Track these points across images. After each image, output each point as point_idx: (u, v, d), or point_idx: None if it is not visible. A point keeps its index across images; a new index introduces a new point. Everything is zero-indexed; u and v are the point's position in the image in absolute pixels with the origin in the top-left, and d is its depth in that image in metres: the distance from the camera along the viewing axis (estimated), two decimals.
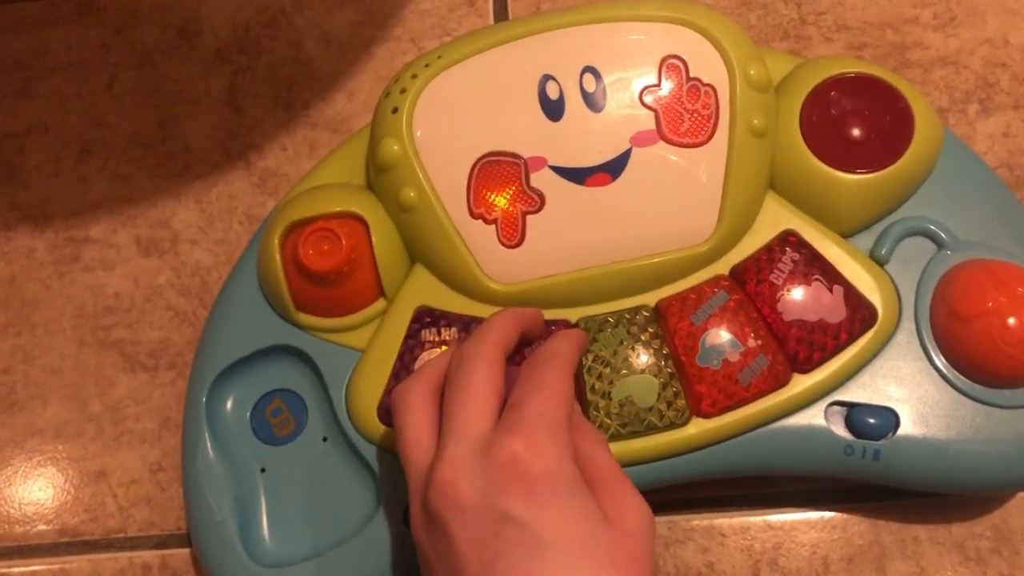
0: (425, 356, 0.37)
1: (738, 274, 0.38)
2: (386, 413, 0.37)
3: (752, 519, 0.40)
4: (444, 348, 0.37)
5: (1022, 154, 0.44)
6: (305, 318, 0.39)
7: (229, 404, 0.40)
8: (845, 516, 0.40)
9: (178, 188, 0.47)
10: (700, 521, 0.40)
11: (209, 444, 0.39)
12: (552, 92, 0.38)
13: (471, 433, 0.29)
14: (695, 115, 0.37)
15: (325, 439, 0.39)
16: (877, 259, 0.38)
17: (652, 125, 0.37)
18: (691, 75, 0.38)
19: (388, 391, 0.37)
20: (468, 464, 0.28)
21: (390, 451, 0.37)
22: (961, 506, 0.39)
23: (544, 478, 0.28)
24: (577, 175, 0.38)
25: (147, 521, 0.42)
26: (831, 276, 0.37)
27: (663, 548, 0.40)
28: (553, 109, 0.38)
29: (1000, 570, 0.39)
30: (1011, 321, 0.35)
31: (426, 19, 0.50)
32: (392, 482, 0.37)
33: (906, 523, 0.39)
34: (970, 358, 0.36)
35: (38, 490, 0.43)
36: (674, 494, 0.39)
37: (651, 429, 0.36)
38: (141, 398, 0.44)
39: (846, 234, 0.38)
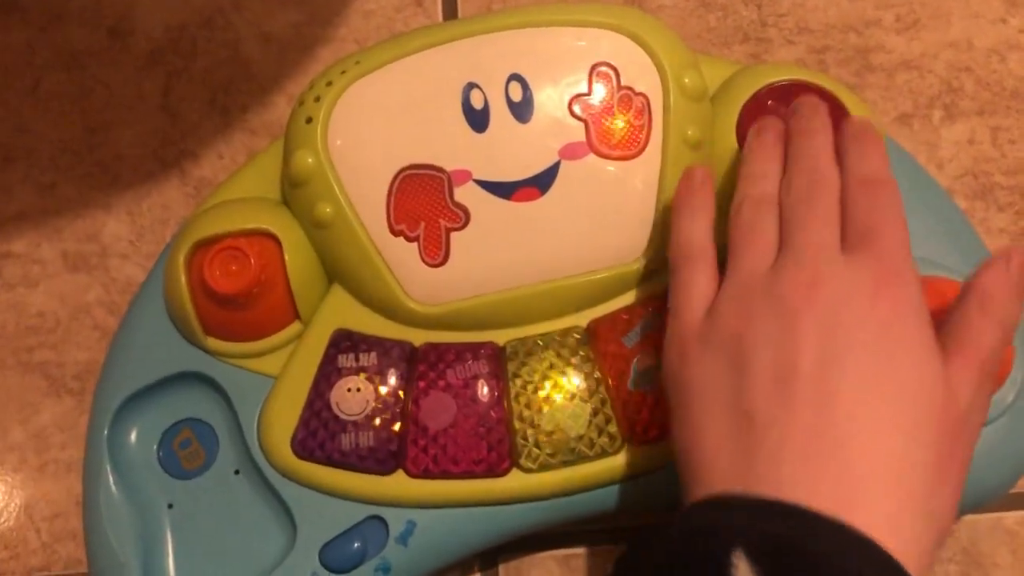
0: (341, 384, 0.35)
1: None
2: (300, 445, 0.35)
3: None
4: (362, 376, 0.35)
5: (987, 161, 0.43)
6: (215, 343, 0.37)
7: (133, 436, 0.37)
8: None
9: (108, 199, 0.44)
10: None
11: (111, 479, 0.36)
12: (476, 101, 0.36)
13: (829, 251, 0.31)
14: (627, 126, 0.35)
15: (237, 472, 0.36)
16: None
17: (582, 137, 0.35)
18: (623, 84, 0.36)
19: (303, 421, 0.35)
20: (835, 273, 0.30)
21: (304, 484, 0.35)
22: None
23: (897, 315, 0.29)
24: (504, 190, 0.35)
25: (73, 558, 0.39)
26: None
27: None
28: (477, 120, 0.36)
29: None
30: None
31: (371, 20, 0.47)
32: (307, 517, 0.35)
33: None
34: None
35: None
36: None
37: (582, 458, 0.34)
38: (67, 425, 0.41)
39: None
